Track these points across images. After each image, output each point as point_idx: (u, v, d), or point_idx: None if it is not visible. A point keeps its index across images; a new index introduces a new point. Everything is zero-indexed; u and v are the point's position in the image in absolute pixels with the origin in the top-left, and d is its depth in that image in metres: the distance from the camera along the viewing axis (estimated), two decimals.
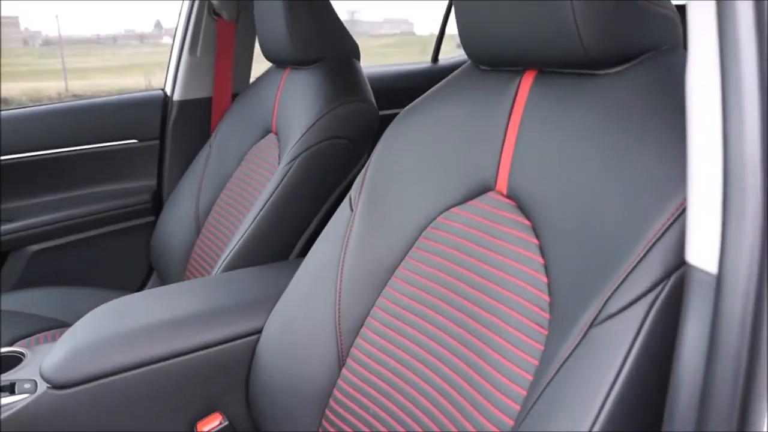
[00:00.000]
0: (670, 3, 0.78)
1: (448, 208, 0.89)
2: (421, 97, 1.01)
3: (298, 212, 1.38)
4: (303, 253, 1.41)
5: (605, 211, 0.68)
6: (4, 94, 9.68)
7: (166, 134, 1.87)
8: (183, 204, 1.68)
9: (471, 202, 0.86)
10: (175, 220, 1.68)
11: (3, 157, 1.71)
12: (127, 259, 1.88)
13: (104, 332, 1.02)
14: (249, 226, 1.33)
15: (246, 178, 1.54)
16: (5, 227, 1.71)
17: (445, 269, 0.86)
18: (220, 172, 1.63)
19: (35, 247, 1.76)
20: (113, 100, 1.87)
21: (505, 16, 0.78)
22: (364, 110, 1.41)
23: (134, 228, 1.87)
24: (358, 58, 1.53)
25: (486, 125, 0.85)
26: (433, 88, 0.99)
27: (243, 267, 1.31)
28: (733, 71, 0.44)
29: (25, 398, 0.93)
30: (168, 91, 1.88)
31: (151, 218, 1.88)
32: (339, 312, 0.96)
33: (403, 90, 2.28)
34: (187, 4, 1.81)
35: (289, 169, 1.33)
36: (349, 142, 1.39)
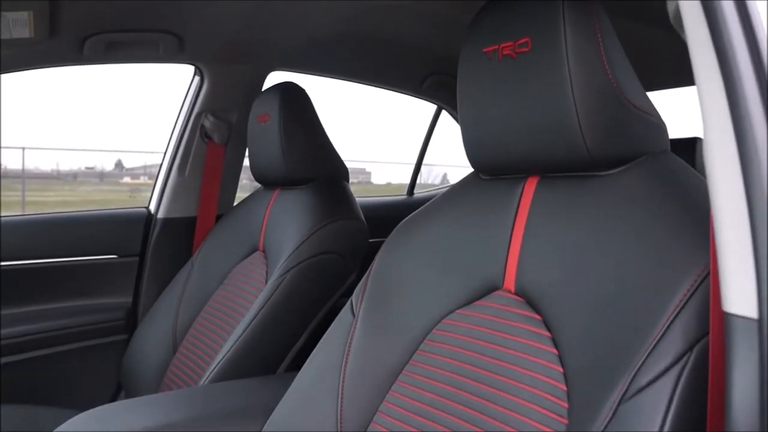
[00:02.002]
0: (658, 113, 0.86)
1: (453, 311, 0.91)
2: (422, 207, 1.06)
3: (287, 326, 1.38)
4: (292, 367, 1.39)
5: (620, 293, 0.71)
6: None
7: (147, 251, 1.87)
8: (160, 322, 1.66)
9: (477, 303, 0.89)
10: (150, 338, 1.65)
11: None
12: (95, 377, 1.82)
13: None
14: (237, 340, 1.32)
15: (230, 295, 1.55)
16: None
17: (453, 368, 0.87)
18: (201, 291, 1.63)
19: (2, 360, 1.70)
20: (96, 214, 1.89)
21: (511, 129, 0.85)
22: (355, 227, 1.46)
23: (106, 345, 1.83)
24: (347, 180, 1.60)
25: (491, 229, 0.90)
26: (435, 199, 1.04)
27: (230, 378, 1.29)
28: (748, 137, 0.50)
29: None
30: (152, 208, 1.91)
31: (124, 336, 1.84)
32: (341, 418, 0.95)
33: (379, 221, 2.36)
34: (179, 125, 1.89)
35: (280, 283, 1.35)
36: (340, 257, 1.42)
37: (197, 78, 1.84)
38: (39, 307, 1.77)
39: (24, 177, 13.08)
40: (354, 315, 1.01)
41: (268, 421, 1.04)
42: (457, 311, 0.90)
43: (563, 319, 0.77)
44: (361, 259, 1.47)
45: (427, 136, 2.57)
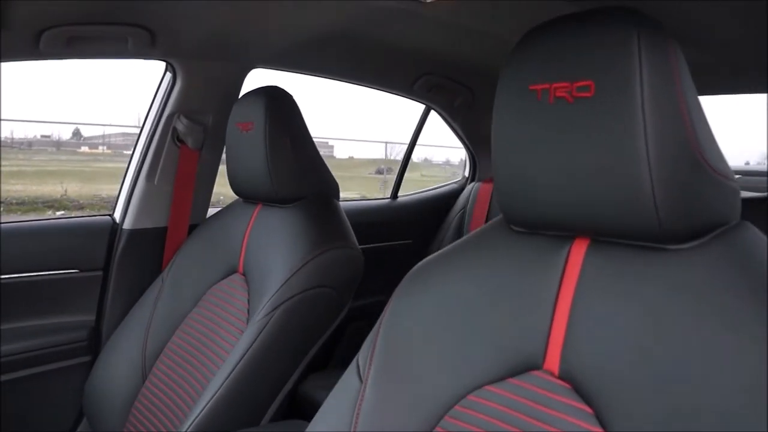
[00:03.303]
0: (733, 174, 0.73)
1: (480, 386, 0.78)
2: (439, 252, 0.91)
3: (276, 370, 1.23)
4: (277, 416, 1.25)
5: (701, 390, 0.61)
6: None
7: (111, 265, 1.70)
8: (127, 345, 1.50)
9: (511, 380, 0.76)
10: (117, 364, 1.50)
11: None
12: (55, 404, 1.65)
13: None
14: (221, 385, 1.17)
15: (206, 321, 1.39)
16: None
17: None
18: (173, 312, 1.48)
19: None
20: (55, 223, 1.70)
21: (561, 181, 0.71)
22: (350, 257, 1.31)
23: (66, 369, 1.66)
24: (338, 198, 1.45)
25: (529, 296, 0.76)
26: (455, 246, 0.90)
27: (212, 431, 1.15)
28: None
29: None
30: (117, 218, 1.73)
31: (87, 358, 1.67)
32: None
33: (364, 225, 2.22)
34: (148, 127, 1.70)
35: (269, 320, 1.20)
36: (334, 291, 1.28)
37: (169, 75, 1.66)
38: None
39: None
40: (361, 380, 0.87)
41: None
42: (486, 388, 0.77)
43: (622, 417, 0.65)
44: (354, 290, 1.33)
45: (414, 136, 2.43)
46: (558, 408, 0.70)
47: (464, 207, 2.40)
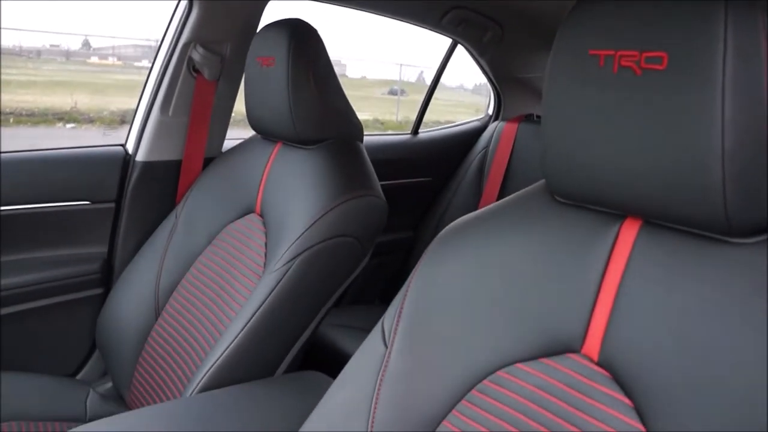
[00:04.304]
0: None
1: (510, 363, 0.73)
2: (474, 214, 0.85)
3: (293, 319, 1.20)
4: (292, 367, 1.23)
5: (752, 395, 0.57)
6: None
7: (124, 197, 1.65)
8: (140, 281, 1.47)
9: (544, 361, 0.71)
10: (130, 299, 1.47)
11: None
12: (66, 336, 1.64)
13: None
14: (237, 335, 1.14)
15: (221, 261, 1.35)
16: None
17: None
18: (187, 249, 1.44)
19: None
20: (64, 153, 1.64)
21: (617, 156, 0.65)
22: (375, 205, 1.26)
23: (78, 301, 1.64)
24: (362, 140, 1.38)
25: (571, 273, 0.71)
26: (492, 209, 0.84)
27: (226, 383, 1.12)
28: None
29: None
30: (130, 149, 1.67)
31: (99, 290, 1.65)
32: None
33: (383, 162, 2.16)
34: (162, 56, 1.62)
35: (288, 269, 1.16)
36: (356, 240, 1.23)
37: (185, 2, 1.56)
38: (2, 259, 1.56)
39: None
40: (386, 346, 0.83)
41: None
42: (517, 365, 0.73)
43: (666, 417, 0.61)
44: (375, 240, 1.28)
45: (438, 71, 2.33)
46: (595, 396, 0.66)
47: (486, 146, 2.32)
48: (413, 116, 2.43)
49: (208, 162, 1.64)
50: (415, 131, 2.37)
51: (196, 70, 1.60)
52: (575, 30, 0.68)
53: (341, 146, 1.31)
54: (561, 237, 0.74)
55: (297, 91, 1.26)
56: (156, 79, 1.63)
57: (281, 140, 1.38)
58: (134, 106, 1.71)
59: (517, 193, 0.84)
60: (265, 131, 1.40)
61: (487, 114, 2.55)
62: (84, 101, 10.54)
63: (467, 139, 2.43)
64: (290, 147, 1.35)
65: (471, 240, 0.81)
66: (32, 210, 1.57)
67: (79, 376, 1.68)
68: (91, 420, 1.39)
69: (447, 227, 0.87)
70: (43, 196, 1.57)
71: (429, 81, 2.43)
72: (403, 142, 2.33)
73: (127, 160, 1.66)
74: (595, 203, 0.72)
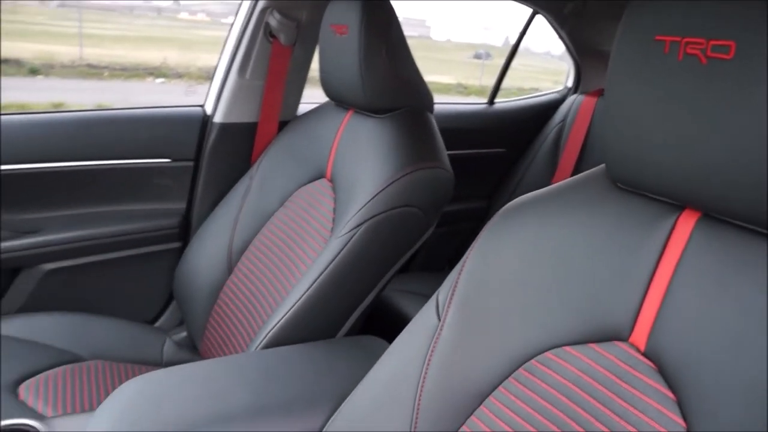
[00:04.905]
0: None
1: (559, 345, 0.74)
2: (533, 194, 0.86)
3: (356, 285, 1.24)
4: (353, 330, 1.27)
5: None
6: (16, 54, 9.50)
7: (202, 156, 1.72)
8: (215, 237, 1.54)
9: (592, 346, 0.72)
10: (205, 254, 1.54)
11: (24, 166, 1.57)
12: (146, 285, 1.75)
13: (142, 427, 0.88)
14: (301, 296, 1.19)
15: (291, 223, 1.40)
16: (20, 242, 1.57)
17: (552, 417, 0.72)
18: (260, 209, 1.49)
19: (49, 266, 1.62)
20: (148, 113, 1.72)
21: (678, 145, 0.64)
22: (441, 178, 1.27)
23: (157, 253, 1.73)
24: (432, 110, 1.39)
25: (623, 261, 0.71)
26: (551, 190, 0.84)
27: (288, 341, 1.18)
28: None
29: None
30: (208, 110, 1.74)
31: (177, 244, 1.74)
32: None
33: (458, 131, 2.16)
34: (240, 21, 1.67)
35: (353, 235, 1.19)
36: (421, 211, 1.24)
37: None
38: (86, 210, 1.66)
39: (80, 6, 12.86)
40: (440, 318, 0.86)
41: (331, 420, 0.93)
42: (566, 348, 0.73)
43: (707, 416, 0.61)
44: (441, 212, 1.30)
45: (517, 41, 2.30)
46: (638, 386, 0.67)
47: (563, 120, 2.27)
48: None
49: (283, 125, 1.68)
50: (491, 101, 2.35)
51: (273, 36, 1.64)
52: (642, 13, 0.66)
53: (411, 116, 1.33)
54: (618, 224, 0.73)
55: (368, 61, 1.28)
56: (234, 43, 1.68)
57: (353, 107, 1.41)
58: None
59: (578, 175, 0.84)
60: (338, 98, 1.43)
61: (566, 86, 2.50)
62: (173, 57, 10.85)
63: (544, 111, 2.39)
64: (361, 115, 1.38)
65: (530, 220, 0.82)
66: (119, 166, 1.66)
67: (157, 324, 1.78)
68: (167, 365, 1.49)
69: (507, 205, 0.88)
70: (128, 153, 1.66)
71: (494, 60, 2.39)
72: (478, 112, 2.31)
73: (205, 120, 1.72)
74: (654, 192, 0.71)
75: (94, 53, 10.35)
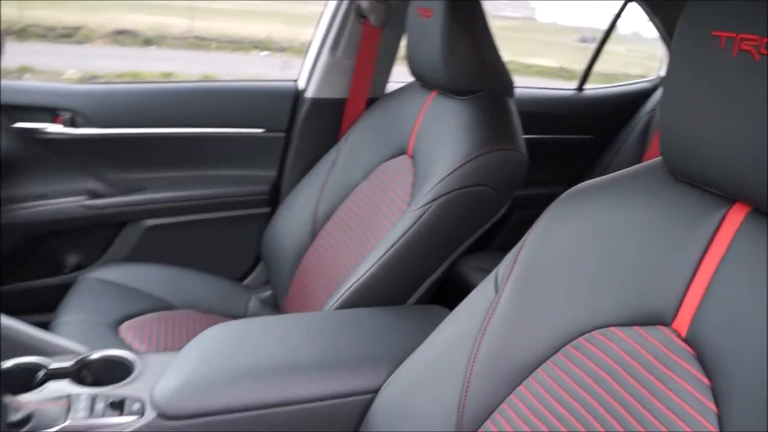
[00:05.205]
0: None
1: (606, 325, 0.78)
2: (594, 181, 0.90)
3: (426, 257, 1.30)
4: (422, 300, 1.34)
5: None
6: (129, 25, 9.95)
7: (293, 129, 1.83)
8: (302, 205, 1.65)
9: (636, 329, 0.75)
10: (291, 220, 1.65)
11: (133, 130, 1.73)
12: (235, 246, 1.88)
13: (219, 367, 0.99)
14: (374, 263, 1.27)
15: (373, 195, 1.48)
16: (126, 198, 1.74)
17: (594, 394, 0.77)
18: (344, 181, 1.58)
19: (151, 222, 1.78)
20: (246, 86, 1.85)
21: (729, 140, 0.67)
22: (515, 160, 1.31)
23: (248, 217, 1.87)
24: (512, 95, 1.44)
25: (673, 250, 0.74)
26: (612, 177, 0.88)
27: (360, 304, 1.26)
28: None
29: (134, 421, 0.92)
30: (301, 85, 1.84)
31: (266, 209, 1.87)
32: (465, 398, 0.89)
33: (546, 116, 2.18)
34: (334, 2, 1.76)
35: (427, 210, 1.26)
36: (493, 191, 1.30)
37: None
38: (187, 173, 1.81)
39: None
40: (497, 291, 0.91)
41: (390, 379, 1.01)
42: (612, 329, 0.77)
43: (736, 401, 0.64)
44: (513, 193, 1.35)
45: (609, 27, 2.28)
46: (676, 370, 0.70)
47: (654, 109, 2.23)
48: (602, 67, 2.38)
49: (371, 102, 1.76)
50: (580, 88, 2.35)
51: (364, 17, 1.72)
52: (700, 8, 0.69)
53: (491, 100, 1.37)
54: (671, 213, 0.76)
55: (451, 45, 1.33)
56: (327, 23, 1.77)
57: (436, 88, 1.47)
58: None
59: (639, 165, 0.87)
60: (422, 78, 1.49)
61: (658, 75, 2.46)
62: (278, 30, 11.10)
63: (634, 99, 2.36)
64: (444, 96, 1.44)
65: (589, 204, 0.86)
66: (218, 134, 1.80)
67: (245, 282, 1.92)
68: None
69: (570, 189, 0.92)
70: (226, 122, 1.80)
71: (622, 30, 2.36)
72: (567, 98, 2.32)
73: (297, 95, 1.83)
74: (706, 184, 0.73)
75: (204, 26, 10.74)
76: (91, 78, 6.68)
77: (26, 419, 0.87)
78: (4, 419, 0.73)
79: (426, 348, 0.98)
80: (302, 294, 1.54)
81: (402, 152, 1.47)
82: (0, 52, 1.59)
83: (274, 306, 1.69)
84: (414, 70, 1.51)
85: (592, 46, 2.39)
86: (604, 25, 2.35)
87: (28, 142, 1.67)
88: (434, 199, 1.26)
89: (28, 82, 1.79)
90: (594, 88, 2.39)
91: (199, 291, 1.63)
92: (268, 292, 1.79)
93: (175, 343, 1.40)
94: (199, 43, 10.18)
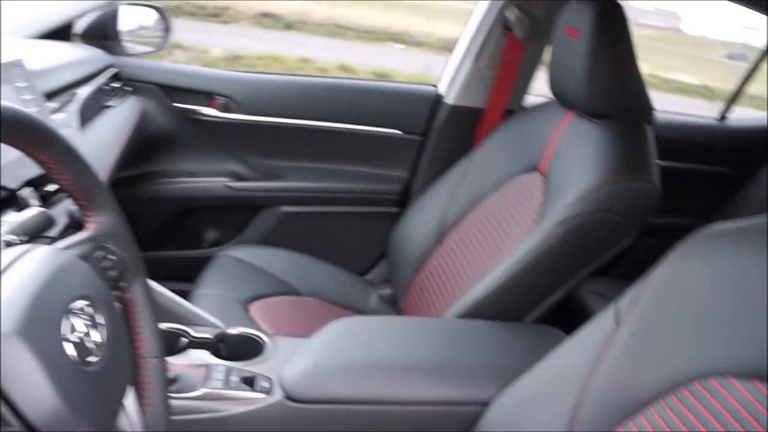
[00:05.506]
0: None
1: (723, 373, 0.76)
2: (737, 224, 0.88)
3: (549, 278, 1.32)
4: (539, 319, 1.36)
5: None
6: (273, 9, 10.32)
7: (430, 133, 1.88)
8: (431, 209, 1.68)
9: (755, 382, 0.73)
10: (419, 223, 1.69)
11: (278, 120, 1.83)
12: (361, 241, 1.96)
13: (345, 358, 1.06)
14: (499, 278, 1.29)
15: (502, 209, 1.50)
16: (265, 184, 1.86)
17: None
18: (475, 191, 1.59)
19: (286, 209, 1.89)
20: (387, 86, 1.94)
21: None
22: (648, 191, 1.29)
23: (378, 214, 1.94)
24: (650, 122, 1.42)
25: None
26: (759, 223, 0.86)
27: (479, 316, 1.29)
28: None
29: (262, 399, 0.99)
30: (441, 91, 1.89)
31: (396, 209, 1.92)
32: (572, 424, 0.90)
33: (681, 143, 2.10)
34: (480, 13, 1.78)
35: (555, 230, 1.27)
36: (622, 219, 1.28)
37: None
38: (324, 165, 1.90)
39: None
40: (617, 324, 0.92)
41: (503, 394, 1.03)
42: (729, 377, 0.76)
43: None
44: (642, 223, 1.33)
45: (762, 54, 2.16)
46: None
47: None
48: (755, 88, 2.27)
49: (508, 114, 1.78)
50: (722, 117, 2.25)
51: (509, 29, 1.73)
52: None
53: (629, 127, 1.36)
54: None
55: (595, 68, 1.33)
56: (473, 32, 1.80)
57: (575, 109, 1.47)
58: (459, 35, 1.89)
59: None
60: (562, 97, 1.49)
61: None
62: (417, 24, 11.17)
63: None
64: (582, 118, 1.43)
65: (726, 249, 0.85)
66: (356, 131, 1.88)
67: (367, 277, 2.00)
68: (368, 314, 1.68)
69: (706, 228, 0.90)
70: (365, 121, 1.88)
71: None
72: (707, 127, 2.23)
73: (436, 100, 1.88)
74: None
75: (343, 14, 10.99)
76: (234, 57, 7.02)
77: (174, 379, 0.98)
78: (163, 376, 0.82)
79: (540, 370, 1.00)
80: (422, 297, 1.58)
81: (534, 169, 1.48)
82: (167, 29, 1.76)
83: (393, 304, 1.75)
84: (554, 88, 1.51)
85: (741, 64, 2.26)
86: (758, 43, 2.22)
87: (185, 122, 1.82)
88: (561, 221, 1.27)
89: (190, 67, 1.95)
90: (739, 120, 2.27)
91: (324, 281, 1.71)
92: (388, 290, 1.85)
93: (299, 328, 1.49)
94: (337, 30, 10.43)
